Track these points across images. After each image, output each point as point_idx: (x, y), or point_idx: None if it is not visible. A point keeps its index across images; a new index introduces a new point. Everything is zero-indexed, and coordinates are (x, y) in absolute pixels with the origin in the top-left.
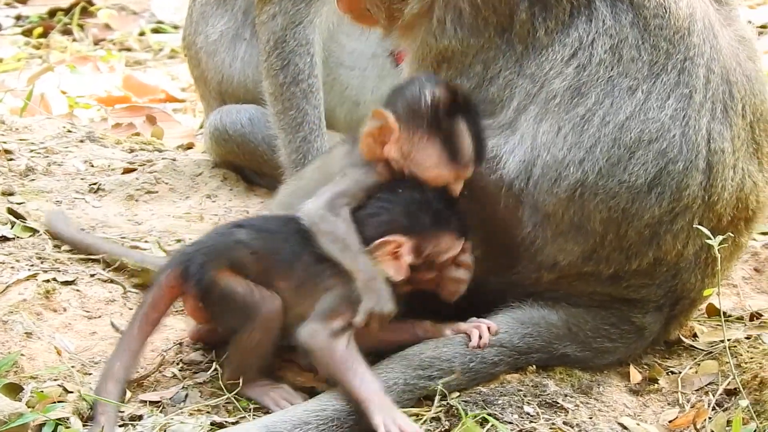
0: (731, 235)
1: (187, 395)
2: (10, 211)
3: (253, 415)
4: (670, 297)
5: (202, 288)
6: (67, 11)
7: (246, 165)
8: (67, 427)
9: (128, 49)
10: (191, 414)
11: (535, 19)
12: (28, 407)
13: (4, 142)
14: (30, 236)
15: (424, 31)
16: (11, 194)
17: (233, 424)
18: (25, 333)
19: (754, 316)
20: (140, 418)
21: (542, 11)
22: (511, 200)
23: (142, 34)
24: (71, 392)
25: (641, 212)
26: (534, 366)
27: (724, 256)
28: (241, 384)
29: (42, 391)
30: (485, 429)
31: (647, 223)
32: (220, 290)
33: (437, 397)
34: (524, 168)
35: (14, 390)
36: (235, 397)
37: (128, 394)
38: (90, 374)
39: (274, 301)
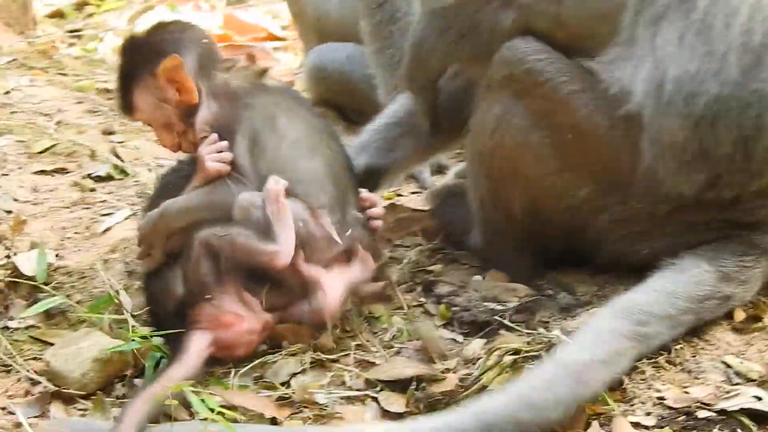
0: None
1: None
2: (112, 151)
3: (354, 353)
4: None
5: None
6: None
7: (345, 103)
8: None
9: None
10: (289, 354)
11: None
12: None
13: (105, 81)
14: (131, 176)
15: None
16: (111, 133)
17: (334, 361)
18: (126, 272)
19: None
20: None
21: None
22: (632, 133)
23: None
24: None
25: None
26: None
27: None
28: None
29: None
30: None
31: None
32: None
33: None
34: (654, 90)
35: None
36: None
37: None
38: None
39: None
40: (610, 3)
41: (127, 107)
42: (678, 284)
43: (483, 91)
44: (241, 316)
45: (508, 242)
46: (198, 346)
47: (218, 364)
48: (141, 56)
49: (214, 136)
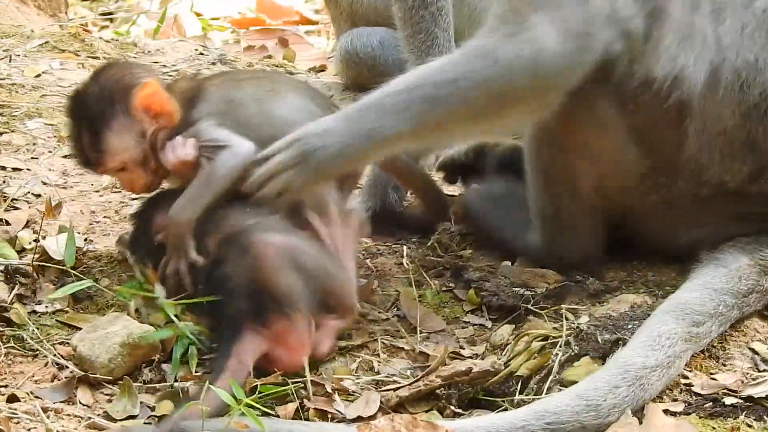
0: None
1: None
2: None
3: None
4: None
5: None
6: None
7: (377, 87)
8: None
9: None
10: None
11: None
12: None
13: None
14: None
15: None
16: None
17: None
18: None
19: None
20: None
21: None
22: (681, 117)
23: None
24: None
25: None
26: (664, 290)
27: None
28: None
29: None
30: None
31: None
32: None
33: (565, 321)
34: (711, 77)
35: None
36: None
37: None
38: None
39: None
40: None
41: (99, 159)
42: (723, 280)
43: None
44: (305, 343)
45: (575, 233)
46: (254, 352)
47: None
48: (106, 100)
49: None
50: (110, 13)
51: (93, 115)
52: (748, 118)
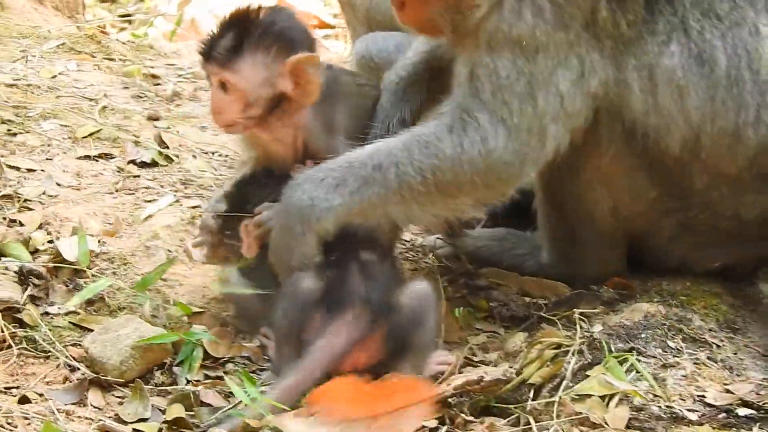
0: None
1: None
2: (156, 137)
3: None
4: None
5: None
6: None
7: None
8: (207, 354)
9: None
10: None
11: (613, 14)
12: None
13: (152, 67)
14: (175, 162)
15: (494, 20)
16: (157, 119)
17: None
18: (168, 259)
19: None
20: None
21: (617, 5)
22: (685, 158)
23: None
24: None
25: None
26: (678, 299)
27: None
28: None
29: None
30: (625, 367)
31: None
32: None
33: (578, 328)
34: (691, 143)
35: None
36: None
37: None
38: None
39: None
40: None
41: (220, 61)
42: None
43: None
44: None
45: (591, 253)
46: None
47: None
48: (274, 32)
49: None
50: (129, 15)
51: (253, 30)
52: (752, 164)
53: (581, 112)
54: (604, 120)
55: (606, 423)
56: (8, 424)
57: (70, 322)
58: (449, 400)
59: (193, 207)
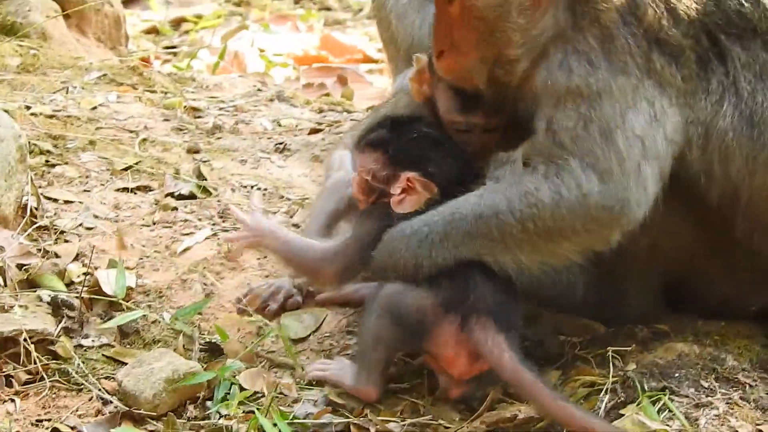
0: None
1: None
2: (195, 170)
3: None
4: None
5: None
6: None
7: None
8: (242, 389)
9: (328, 9)
10: None
11: (669, 66)
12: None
13: (194, 100)
14: (214, 196)
15: (543, 74)
16: (197, 152)
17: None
18: (204, 293)
19: None
20: None
21: (671, 59)
22: (723, 211)
23: None
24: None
25: None
26: (712, 339)
27: None
28: None
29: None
30: (658, 406)
31: None
32: None
33: (611, 366)
34: (730, 195)
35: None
36: None
37: None
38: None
39: None
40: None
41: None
42: None
43: None
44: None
45: (629, 291)
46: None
47: None
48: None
49: None
50: (173, 47)
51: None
52: None
53: (668, 154)
54: None
55: None
56: None
57: (103, 355)
58: None
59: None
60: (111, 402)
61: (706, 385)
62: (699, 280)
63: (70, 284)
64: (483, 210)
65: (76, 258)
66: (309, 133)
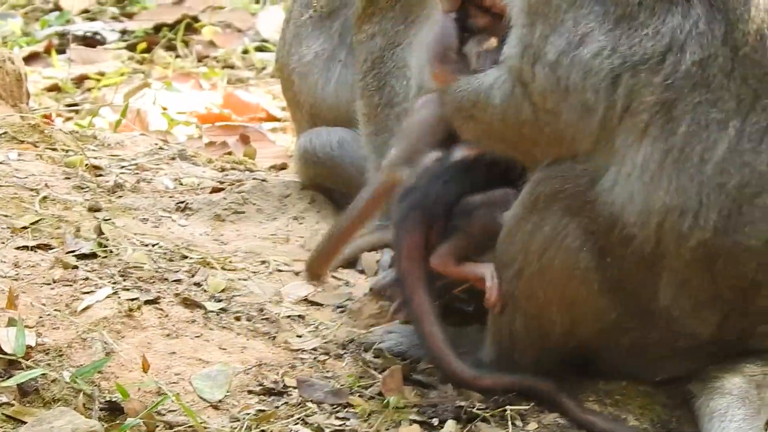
0: None
1: None
2: (96, 228)
3: None
4: None
5: None
6: (172, 27)
7: (334, 187)
8: None
9: (231, 67)
10: None
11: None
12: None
13: (95, 158)
14: (114, 254)
15: None
16: (98, 210)
17: None
18: (105, 352)
19: None
20: None
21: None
22: (657, 269)
23: (245, 52)
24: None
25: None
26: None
27: None
28: None
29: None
30: None
31: None
32: None
33: (510, 426)
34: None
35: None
36: None
37: None
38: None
39: None
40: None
41: None
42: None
43: (525, 208)
44: None
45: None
46: None
47: None
48: None
49: None
50: (75, 104)
51: None
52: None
53: None
54: None
55: None
56: None
57: (3, 414)
58: None
59: (129, 300)
60: None
61: None
62: (609, 354)
63: None
64: None
65: None
66: (211, 192)
